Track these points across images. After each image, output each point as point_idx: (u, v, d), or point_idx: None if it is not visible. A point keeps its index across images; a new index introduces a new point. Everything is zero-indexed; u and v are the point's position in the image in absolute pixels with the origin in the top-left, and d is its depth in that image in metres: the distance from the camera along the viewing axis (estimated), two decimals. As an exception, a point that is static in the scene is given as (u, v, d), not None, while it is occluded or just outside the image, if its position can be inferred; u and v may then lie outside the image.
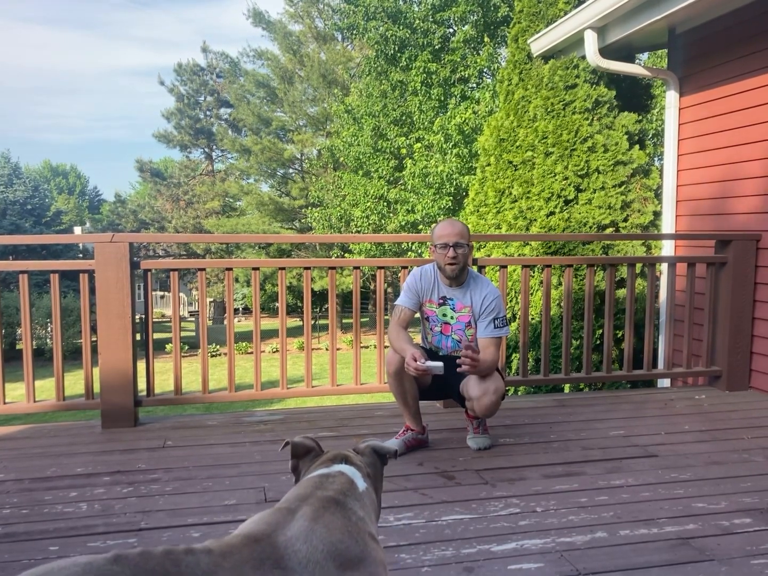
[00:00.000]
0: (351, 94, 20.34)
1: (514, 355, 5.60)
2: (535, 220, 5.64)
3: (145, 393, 3.71)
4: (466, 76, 16.20)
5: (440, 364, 2.79)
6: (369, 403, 4.26)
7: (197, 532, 2.31)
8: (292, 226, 28.55)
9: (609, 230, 5.50)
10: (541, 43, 5.70)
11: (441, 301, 3.13)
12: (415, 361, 2.78)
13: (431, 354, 3.17)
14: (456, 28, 16.71)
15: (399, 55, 16.49)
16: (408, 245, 16.64)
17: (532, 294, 5.56)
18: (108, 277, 3.45)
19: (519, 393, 5.52)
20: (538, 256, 5.63)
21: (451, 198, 15.81)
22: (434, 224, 3.15)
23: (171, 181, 34.65)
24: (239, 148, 28.79)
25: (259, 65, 29.60)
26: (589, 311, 4.19)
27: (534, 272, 5.56)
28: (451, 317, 3.13)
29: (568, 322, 4.17)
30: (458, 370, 2.84)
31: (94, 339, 3.62)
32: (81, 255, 28.46)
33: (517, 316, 5.40)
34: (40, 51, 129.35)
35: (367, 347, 18.47)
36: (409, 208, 16.49)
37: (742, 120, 4.51)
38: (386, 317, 3.84)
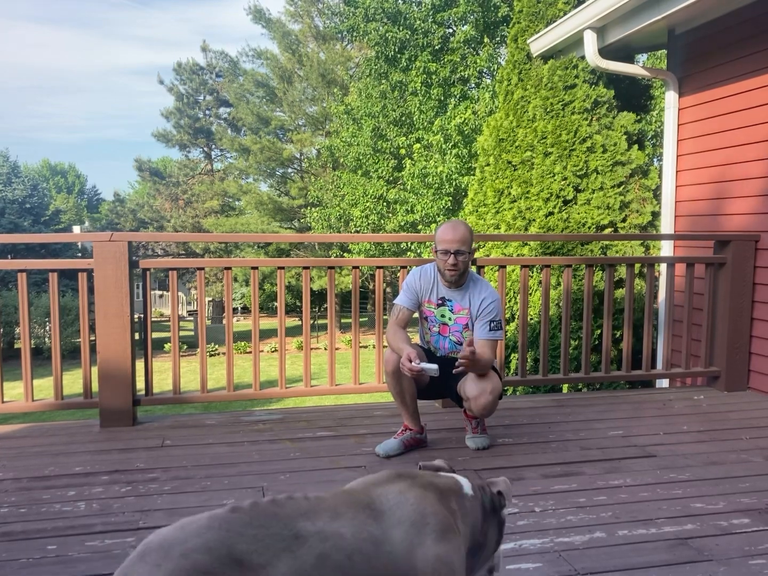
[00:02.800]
0: (350, 94, 20.36)
1: (512, 355, 5.60)
2: (534, 220, 5.65)
3: (143, 392, 3.71)
4: (466, 76, 16.21)
5: (435, 366, 2.77)
6: (368, 402, 4.25)
7: (195, 532, 2.30)
8: (291, 225, 28.57)
9: (608, 230, 5.50)
10: (540, 43, 5.70)
11: (440, 301, 3.13)
12: (410, 361, 2.78)
13: (429, 354, 3.17)
14: (456, 29, 16.72)
15: (399, 55, 16.49)
16: (407, 245, 16.65)
17: (530, 294, 5.57)
18: (107, 276, 3.45)
19: (518, 393, 5.53)
20: (536, 256, 5.64)
21: (451, 198, 15.82)
22: (437, 224, 3.14)
23: (170, 181, 34.64)
24: (238, 147, 28.80)
25: (259, 65, 29.65)
26: (588, 311, 4.19)
27: (533, 272, 5.56)
28: (449, 318, 3.12)
29: (567, 322, 4.17)
30: (455, 368, 2.83)
31: (92, 338, 3.62)
32: (80, 254, 28.43)
33: (516, 316, 5.40)
34: (38, 50, 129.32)
35: (365, 347, 18.48)
36: (409, 209, 16.51)
37: (742, 121, 4.51)
38: (385, 317, 3.84)
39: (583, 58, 5.37)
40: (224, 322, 3.98)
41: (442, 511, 1.37)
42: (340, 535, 1.23)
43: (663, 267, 4.84)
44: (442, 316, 3.13)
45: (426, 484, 1.41)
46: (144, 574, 1.10)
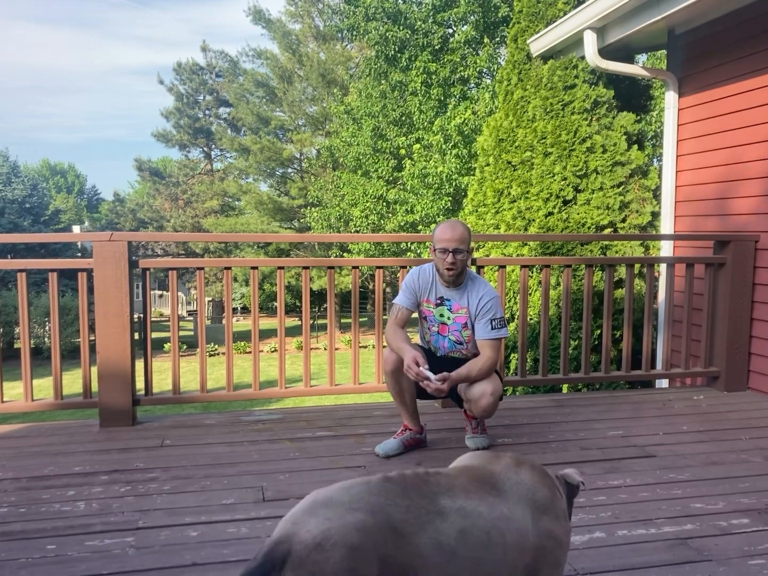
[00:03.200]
0: (350, 94, 20.36)
1: (512, 355, 5.60)
2: (534, 220, 5.65)
3: (143, 392, 3.71)
4: (466, 76, 16.21)
5: (440, 376, 2.76)
6: (367, 402, 4.25)
7: (195, 531, 2.30)
8: (290, 225, 28.57)
9: (607, 231, 5.50)
10: (540, 43, 5.70)
11: (438, 301, 3.12)
12: (417, 365, 2.78)
13: (429, 354, 3.17)
14: (456, 29, 16.72)
15: (399, 55, 16.49)
16: (407, 245, 16.65)
17: (530, 294, 5.57)
18: (106, 275, 3.45)
19: (517, 393, 5.52)
20: (536, 256, 5.63)
21: (450, 198, 15.82)
22: (435, 224, 3.13)
23: (170, 180, 34.64)
24: (238, 147, 28.80)
25: (259, 65, 29.65)
26: (588, 311, 4.19)
27: (532, 272, 5.56)
28: (448, 318, 3.12)
29: (567, 323, 4.17)
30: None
31: (92, 338, 3.62)
32: (79, 254, 28.42)
33: (516, 316, 5.40)
34: (38, 50, 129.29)
35: (365, 347, 18.48)
36: (408, 209, 16.50)
37: (742, 121, 4.51)
38: (385, 317, 3.84)
39: (582, 58, 5.37)
40: (224, 322, 3.98)
41: (551, 492, 1.52)
42: (479, 513, 1.36)
43: (663, 267, 4.83)
44: (441, 315, 3.12)
45: (531, 465, 1.56)
46: (314, 526, 1.22)
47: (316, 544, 1.19)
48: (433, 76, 16.07)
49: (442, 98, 16.29)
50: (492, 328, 3.01)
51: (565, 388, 5.33)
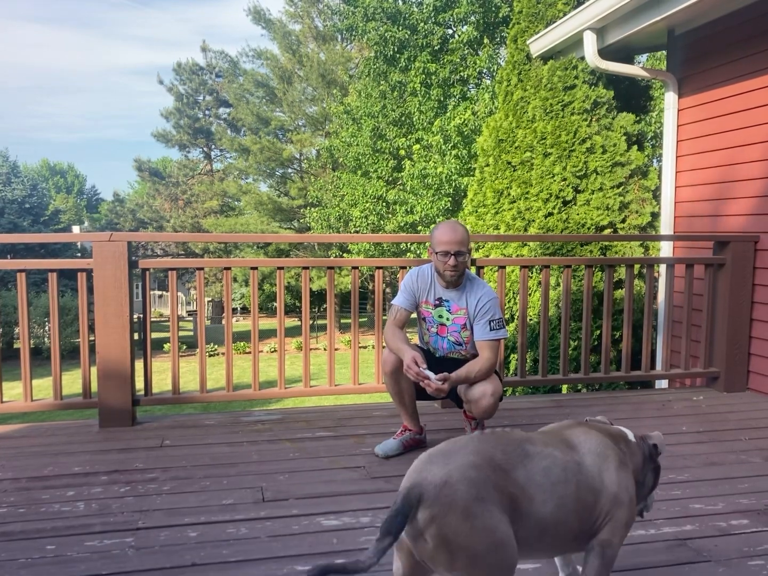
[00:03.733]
0: (350, 94, 20.37)
1: (512, 355, 5.60)
2: (534, 220, 5.65)
3: (142, 392, 3.71)
4: (466, 76, 16.21)
5: (440, 375, 2.77)
6: (367, 403, 4.25)
7: (194, 532, 2.30)
8: (290, 225, 28.57)
9: (607, 231, 5.50)
10: (540, 44, 5.70)
11: (437, 302, 3.12)
12: (417, 365, 2.78)
13: (428, 354, 3.17)
14: (456, 29, 16.73)
15: (398, 55, 16.50)
16: (407, 246, 16.65)
17: (530, 294, 5.57)
18: (106, 276, 3.45)
19: (517, 393, 5.52)
20: (536, 256, 5.63)
21: (450, 199, 15.82)
22: (434, 225, 3.11)
23: (169, 181, 34.63)
24: (238, 147, 28.81)
25: (259, 65, 29.66)
26: (588, 312, 4.19)
27: (532, 273, 5.56)
28: (447, 319, 3.11)
29: (567, 323, 4.17)
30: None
31: (92, 338, 3.62)
32: (79, 254, 28.42)
33: (516, 317, 5.40)
34: (38, 49, 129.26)
35: (365, 347, 18.48)
36: (408, 209, 16.50)
37: (741, 121, 4.51)
38: (384, 317, 3.84)
39: (582, 58, 5.37)
40: (223, 322, 3.99)
41: (616, 449, 1.75)
42: (555, 455, 1.64)
43: (662, 268, 4.83)
44: (440, 316, 3.12)
45: (601, 429, 1.80)
46: (437, 470, 1.48)
47: (443, 483, 1.44)
48: (433, 77, 16.08)
49: (442, 99, 16.29)
50: (491, 329, 3.00)
51: (564, 388, 5.33)
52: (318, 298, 27.25)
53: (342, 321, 27.10)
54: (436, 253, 2.98)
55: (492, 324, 3.00)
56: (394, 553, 1.57)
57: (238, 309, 36.30)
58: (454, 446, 1.57)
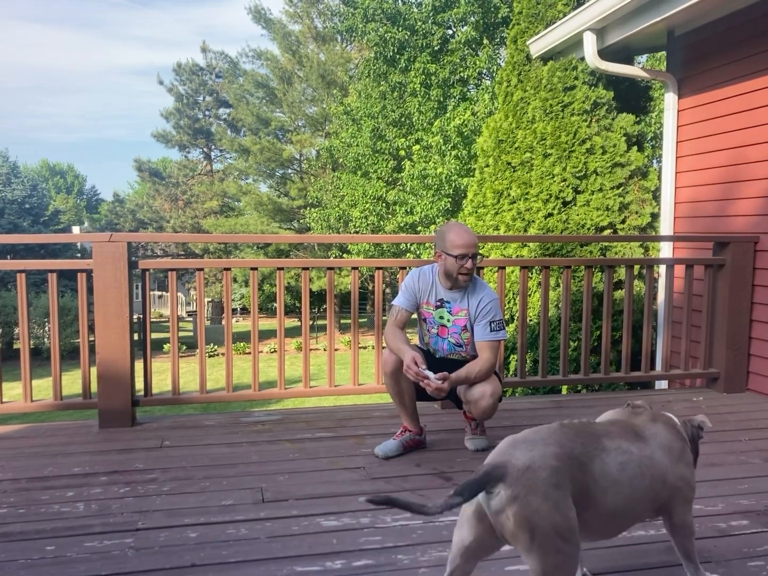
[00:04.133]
0: (350, 95, 20.37)
1: (512, 356, 5.60)
2: (534, 221, 5.65)
3: (142, 393, 3.71)
4: (466, 77, 16.21)
5: (440, 375, 2.78)
6: (367, 403, 4.25)
7: (194, 532, 2.30)
8: (290, 226, 28.57)
9: (607, 232, 5.50)
10: (540, 44, 5.71)
11: (438, 303, 3.12)
12: (416, 365, 2.78)
13: (428, 356, 3.17)
14: (455, 30, 16.73)
15: (398, 56, 16.50)
16: (406, 246, 16.64)
17: (530, 295, 5.57)
18: (106, 276, 3.45)
19: (517, 394, 5.52)
20: (536, 257, 5.63)
21: (450, 199, 15.82)
22: (443, 227, 3.08)
23: (169, 181, 34.63)
24: (238, 148, 28.80)
25: (258, 65, 29.65)
26: (587, 313, 4.19)
27: (532, 273, 5.56)
28: (448, 320, 3.11)
29: (566, 324, 4.17)
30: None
31: (91, 338, 3.62)
32: (79, 254, 28.42)
33: (515, 318, 5.40)
34: (38, 49, 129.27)
35: (365, 348, 18.47)
36: (408, 210, 16.51)
37: (741, 122, 4.51)
38: (384, 318, 3.84)
39: (582, 59, 5.38)
40: (223, 322, 3.98)
41: (682, 441, 1.87)
42: (632, 451, 1.75)
43: (662, 268, 4.84)
44: (441, 317, 3.12)
45: (665, 419, 1.91)
46: (521, 455, 1.61)
47: (526, 467, 1.57)
48: (433, 77, 16.08)
49: (442, 99, 16.30)
50: (491, 330, 3.00)
51: (564, 389, 5.32)
52: (318, 298, 27.25)
53: (342, 321, 27.09)
54: (453, 257, 2.93)
55: (492, 325, 3.00)
56: (459, 527, 1.72)
57: (238, 309, 36.30)
58: (538, 435, 1.70)
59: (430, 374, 2.76)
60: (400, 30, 16.13)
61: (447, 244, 2.96)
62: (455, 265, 2.95)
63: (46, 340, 19.38)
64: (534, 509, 1.54)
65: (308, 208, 23.03)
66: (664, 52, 5.61)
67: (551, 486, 1.56)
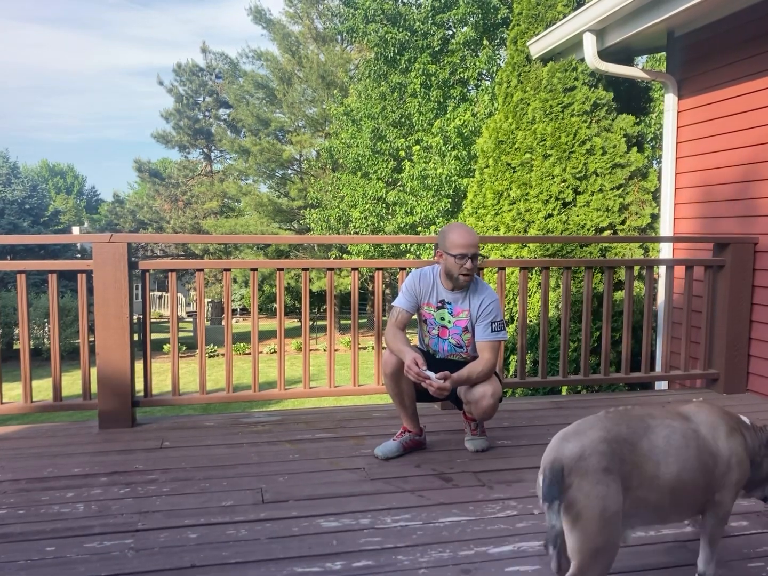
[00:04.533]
0: (350, 95, 20.37)
1: (512, 357, 5.60)
2: (533, 222, 5.65)
3: (142, 393, 3.71)
4: (466, 78, 16.21)
5: (441, 374, 2.79)
6: (367, 404, 4.25)
7: (194, 533, 2.30)
8: (290, 227, 28.57)
9: (607, 233, 5.50)
10: (539, 45, 5.71)
11: (439, 304, 3.12)
12: (417, 366, 2.78)
13: (428, 357, 3.17)
14: (455, 30, 16.74)
15: (398, 57, 16.50)
16: (406, 247, 16.64)
17: (530, 296, 5.57)
18: (106, 277, 3.45)
19: (517, 395, 5.52)
20: (536, 258, 5.64)
21: (450, 200, 15.82)
22: (446, 227, 3.08)
23: (169, 182, 34.64)
24: (238, 148, 28.80)
25: (258, 66, 29.66)
26: (587, 313, 4.19)
27: (532, 274, 5.56)
28: (449, 321, 3.12)
29: (566, 324, 4.17)
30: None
31: (91, 339, 3.62)
32: (79, 255, 28.43)
33: (515, 318, 5.40)
34: (37, 50, 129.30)
35: (365, 348, 18.48)
36: (408, 210, 16.51)
37: (741, 123, 4.52)
38: (384, 318, 3.84)
39: (582, 60, 5.38)
40: (223, 323, 3.98)
41: (727, 419, 1.96)
42: (675, 425, 1.87)
43: (662, 269, 4.84)
44: (442, 318, 3.12)
45: (710, 407, 1.99)
46: (572, 446, 1.73)
47: (578, 456, 1.70)
48: (433, 78, 16.08)
49: (442, 100, 16.30)
50: (492, 331, 3.01)
51: (564, 390, 5.32)
52: (318, 299, 27.24)
53: (342, 322, 27.09)
54: (453, 256, 2.94)
55: (493, 326, 3.01)
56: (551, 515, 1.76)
57: (238, 310, 36.30)
58: (586, 424, 1.82)
59: (431, 374, 2.77)
60: (400, 31, 16.14)
61: (448, 243, 2.97)
62: (455, 265, 2.95)
63: (46, 340, 19.38)
64: (585, 494, 1.67)
65: (308, 209, 23.02)
66: (664, 53, 5.61)
67: (601, 471, 1.69)
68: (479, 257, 3.03)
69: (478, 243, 3.01)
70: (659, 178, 5.54)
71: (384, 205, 17.90)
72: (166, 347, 18.66)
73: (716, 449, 1.88)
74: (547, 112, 5.73)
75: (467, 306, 3.06)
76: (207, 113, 34.67)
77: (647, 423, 1.85)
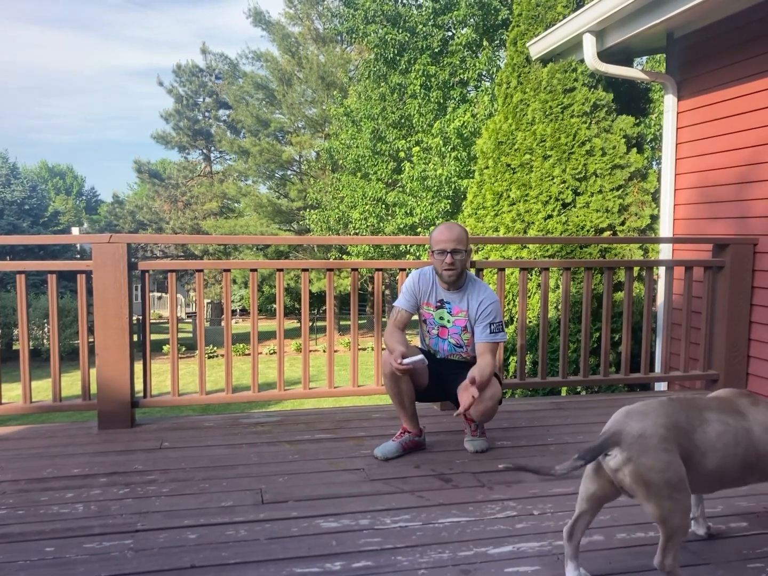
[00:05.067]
0: (350, 96, 20.38)
1: (511, 357, 5.60)
2: (533, 223, 5.65)
3: (142, 394, 3.71)
4: (465, 79, 16.22)
5: (420, 356, 2.87)
6: (366, 405, 4.25)
7: (194, 534, 2.30)
8: (290, 227, 28.57)
9: (606, 234, 5.51)
10: (539, 46, 5.71)
11: (438, 304, 3.13)
12: (396, 361, 2.83)
13: (429, 356, 3.17)
14: (455, 31, 16.75)
15: (398, 58, 16.51)
16: (406, 248, 16.65)
17: (529, 297, 5.57)
18: (105, 277, 3.45)
19: (516, 396, 5.52)
20: (535, 259, 5.64)
21: (450, 201, 15.83)
22: (433, 227, 3.14)
23: (169, 182, 34.64)
24: (237, 149, 28.80)
25: (258, 67, 29.66)
26: (587, 314, 4.20)
27: (532, 275, 5.56)
28: (448, 321, 3.12)
29: (566, 325, 4.17)
30: (457, 413, 2.82)
31: (91, 340, 3.62)
32: (78, 255, 28.44)
33: (515, 319, 5.40)
34: (37, 51, 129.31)
35: (364, 349, 18.48)
36: (408, 211, 16.51)
37: (741, 124, 4.52)
38: (384, 319, 3.84)
39: (582, 61, 5.38)
40: (223, 324, 3.98)
41: None
42: (729, 423, 2.01)
43: (661, 270, 4.84)
44: (441, 318, 3.13)
45: (766, 403, 2.11)
46: (635, 424, 1.90)
47: (639, 434, 1.88)
48: (433, 79, 16.09)
49: (442, 101, 16.30)
50: (491, 332, 3.02)
51: (563, 390, 5.32)
52: (317, 299, 27.27)
53: (341, 323, 27.10)
54: (434, 253, 3.02)
55: (492, 327, 3.02)
56: (584, 479, 2.00)
57: (238, 311, 36.30)
58: (649, 407, 1.97)
59: (407, 359, 2.85)
60: (400, 32, 16.14)
61: (431, 241, 3.06)
62: (437, 261, 3.02)
63: (45, 341, 19.37)
64: (648, 467, 1.85)
65: (308, 210, 23.03)
66: (663, 54, 5.61)
67: (660, 449, 1.87)
68: (463, 253, 3.02)
69: (462, 239, 3.02)
70: (659, 179, 5.54)
71: (384, 206, 17.90)
72: (165, 348, 18.65)
73: (765, 451, 2.02)
74: (547, 113, 5.73)
75: (465, 306, 3.07)
76: (207, 114, 34.68)
77: (704, 416, 2.00)
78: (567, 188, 5.57)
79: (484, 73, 16.52)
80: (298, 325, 25.06)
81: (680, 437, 1.92)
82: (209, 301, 32.83)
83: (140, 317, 3.90)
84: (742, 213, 4.53)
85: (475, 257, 5.84)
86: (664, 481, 1.85)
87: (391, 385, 3.05)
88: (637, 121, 5.92)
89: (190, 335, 26.42)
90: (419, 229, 16.58)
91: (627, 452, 1.86)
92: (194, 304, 38.47)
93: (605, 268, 4.26)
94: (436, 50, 16.24)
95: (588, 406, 4.07)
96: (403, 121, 17.21)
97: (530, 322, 5.42)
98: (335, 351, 4.09)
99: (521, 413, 3.88)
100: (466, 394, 2.76)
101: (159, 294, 40.12)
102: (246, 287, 33.69)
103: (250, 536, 2.29)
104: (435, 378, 3.14)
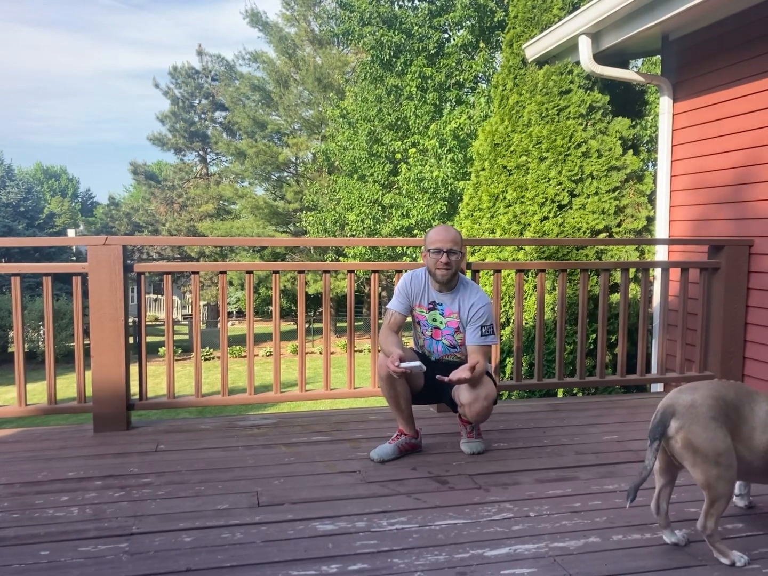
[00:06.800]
0: (346, 98, 20.38)
1: (508, 359, 5.60)
2: (529, 224, 5.66)
3: (137, 397, 3.69)
4: (462, 80, 16.24)
5: (418, 363, 2.88)
6: (363, 407, 4.25)
7: (189, 537, 2.30)
8: (286, 229, 28.55)
9: (602, 235, 5.51)
10: (535, 48, 5.72)
11: (431, 305, 3.13)
12: (394, 365, 2.83)
13: (423, 358, 3.17)
14: (451, 33, 16.77)
15: (394, 59, 16.52)
16: (403, 249, 16.64)
17: (525, 298, 5.57)
18: (101, 280, 3.44)
19: (513, 397, 5.52)
20: (532, 260, 5.64)
21: (446, 203, 15.82)
22: (429, 229, 3.16)
23: (165, 184, 34.58)
24: (234, 151, 28.76)
25: (255, 68, 29.63)
26: (583, 316, 4.20)
27: (528, 277, 5.57)
28: (441, 322, 3.13)
29: (562, 327, 4.17)
30: (441, 377, 2.89)
31: (86, 342, 3.61)
32: (74, 258, 28.30)
33: (511, 321, 5.41)
34: (32, 53, 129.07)
35: (360, 351, 18.46)
36: (404, 213, 16.50)
37: (735, 126, 4.53)
38: (380, 321, 3.84)
39: (578, 63, 5.39)
40: (219, 326, 3.98)
41: None
42: None
43: (657, 272, 4.84)
44: (434, 320, 3.13)
45: None
46: (687, 396, 2.12)
47: (690, 404, 2.09)
48: (429, 81, 16.10)
49: (438, 103, 16.31)
50: (482, 335, 3.04)
51: (560, 392, 5.33)
52: (314, 301, 27.20)
53: (338, 325, 27.08)
54: (429, 252, 3.04)
55: (483, 329, 3.04)
56: (649, 454, 2.10)
57: (234, 313, 36.23)
58: (700, 384, 2.18)
59: (405, 364, 2.86)
60: (396, 33, 16.15)
61: (426, 241, 3.08)
62: (432, 260, 3.03)
63: (40, 343, 19.30)
64: (696, 434, 2.03)
65: (304, 212, 23.01)
66: (659, 56, 5.63)
67: (709, 418, 2.05)
68: (458, 254, 3.04)
69: (457, 240, 3.05)
70: (655, 181, 5.55)
71: (380, 207, 17.89)
72: (161, 350, 18.60)
73: None
74: (543, 114, 5.74)
75: (457, 308, 3.09)
76: (203, 116, 34.62)
77: (753, 396, 2.18)
78: (563, 190, 5.58)
79: (480, 75, 16.54)
80: (295, 327, 25.01)
81: (729, 410, 2.09)
82: (205, 303, 32.78)
83: (136, 319, 3.89)
84: (738, 214, 4.54)
85: (471, 259, 5.83)
86: (711, 448, 2.01)
87: (387, 387, 3.05)
88: (633, 123, 5.93)
89: (186, 337, 26.37)
90: (416, 231, 16.57)
91: (680, 421, 2.05)
92: (190, 306, 38.38)
93: (601, 270, 4.27)
94: (432, 52, 16.25)
95: (584, 408, 4.07)
96: (399, 122, 17.21)
97: (526, 323, 5.42)
98: (331, 353, 4.09)
99: (518, 415, 3.88)
100: (461, 371, 2.84)
101: (155, 296, 40.03)
102: (242, 289, 33.62)
103: (246, 539, 2.29)
104: (430, 380, 3.14)
